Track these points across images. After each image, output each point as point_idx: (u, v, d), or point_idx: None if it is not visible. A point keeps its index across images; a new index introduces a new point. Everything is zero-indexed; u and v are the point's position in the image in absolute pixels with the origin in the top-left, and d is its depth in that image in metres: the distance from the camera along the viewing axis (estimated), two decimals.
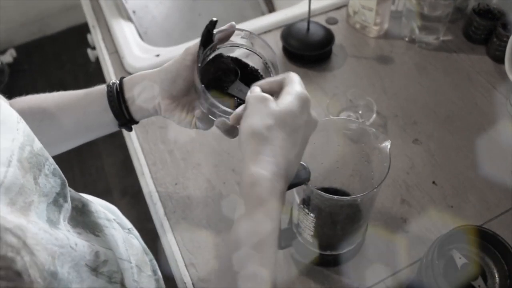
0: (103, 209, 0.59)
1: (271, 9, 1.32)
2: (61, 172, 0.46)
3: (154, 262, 0.67)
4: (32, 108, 0.58)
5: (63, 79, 2.31)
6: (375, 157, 0.59)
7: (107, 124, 0.60)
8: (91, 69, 2.21)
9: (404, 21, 1.00)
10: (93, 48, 1.20)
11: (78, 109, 0.60)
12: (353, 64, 0.97)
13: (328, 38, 0.96)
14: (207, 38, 0.53)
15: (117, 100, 0.58)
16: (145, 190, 0.80)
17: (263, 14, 1.30)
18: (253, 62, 0.57)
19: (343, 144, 0.62)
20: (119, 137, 0.90)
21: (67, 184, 0.47)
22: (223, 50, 0.56)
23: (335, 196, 0.52)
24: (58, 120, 0.59)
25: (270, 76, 0.56)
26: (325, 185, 0.67)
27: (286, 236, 0.66)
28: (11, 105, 0.59)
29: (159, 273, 0.66)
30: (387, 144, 0.55)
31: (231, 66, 0.56)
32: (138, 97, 0.58)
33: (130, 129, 0.62)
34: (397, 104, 0.89)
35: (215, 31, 0.53)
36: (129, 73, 0.95)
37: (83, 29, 1.46)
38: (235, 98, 0.55)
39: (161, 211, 0.76)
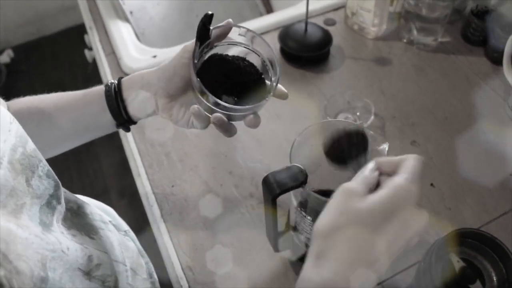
0: (99, 211, 0.59)
1: (269, 10, 1.32)
2: (54, 174, 0.45)
3: (150, 265, 0.66)
4: (30, 109, 0.58)
5: (61, 79, 2.31)
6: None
7: (105, 124, 0.60)
8: (89, 70, 2.20)
9: (402, 22, 1.00)
10: (90, 49, 1.20)
11: (76, 109, 0.59)
12: (351, 66, 0.97)
13: (326, 39, 0.96)
14: (203, 33, 0.52)
15: (115, 100, 0.58)
16: (141, 192, 0.79)
17: (261, 15, 1.30)
18: (251, 60, 0.57)
19: None
20: (117, 139, 0.89)
21: (60, 186, 0.46)
22: (221, 48, 0.56)
23: None
24: (56, 121, 0.59)
25: (268, 75, 0.56)
26: (323, 187, 0.67)
27: (283, 239, 0.66)
28: (9, 106, 0.58)
29: (155, 276, 0.65)
30: (384, 147, 0.55)
31: (229, 67, 0.55)
32: (136, 96, 0.58)
33: (128, 130, 0.62)
34: (395, 105, 0.89)
35: (211, 27, 0.53)
36: (126, 74, 0.95)
37: (81, 30, 1.45)
38: (233, 98, 0.54)
39: (157, 213, 0.75)
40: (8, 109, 0.57)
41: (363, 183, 0.40)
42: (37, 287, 0.34)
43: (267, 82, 0.56)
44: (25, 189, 0.39)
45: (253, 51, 0.56)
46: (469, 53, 0.98)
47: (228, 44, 0.56)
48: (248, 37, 0.55)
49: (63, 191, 0.48)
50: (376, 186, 0.41)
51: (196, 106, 0.55)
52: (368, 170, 0.42)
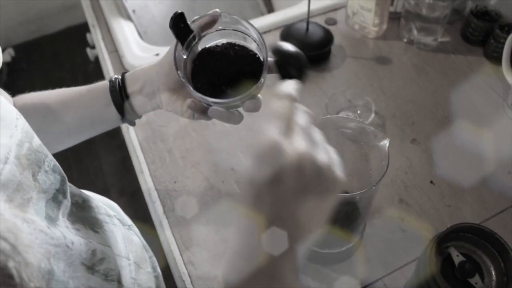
0: (103, 205, 0.60)
1: (271, 9, 1.33)
2: (61, 169, 0.46)
3: (154, 259, 0.67)
4: (35, 105, 0.59)
5: (62, 78, 2.31)
6: (374, 156, 0.59)
7: (110, 119, 0.61)
8: (89, 68, 2.21)
9: (403, 22, 1.00)
10: (93, 47, 1.20)
11: (81, 104, 0.60)
12: (351, 65, 0.98)
13: (327, 39, 0.97)
14: (180, 31, 0.52)
15: (120, 95, 0.58)
16: (144, 188, 0.80)
17: (262, 14, 1.31)
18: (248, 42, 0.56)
19: (342, 143, 0.62)
20: (117, 138, 0.90)
21: (67, 180, 0.47)
22: (211, 35, 0.55)
23: None
24: (61, 116, 0.59)
25: (262, 53, 0.54)
26: None
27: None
28: (14, 101, 0.59)
29: (159, 270, 0.66)
30: (385, 143, 0.55)
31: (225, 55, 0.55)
32: (141, 91, 0.59)
33: (133, 124, 0.63)
34: (395, 104, 0.90)
35: (195, 18, 0.52)
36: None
37: (82, 28, 1.46)
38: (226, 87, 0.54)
39: (160, 209, 0.76)
40: (14, 105, 0.58)
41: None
42: (46, 279, 0.35)
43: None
44: (31, 183, 0.39)
45: (242, 32, 0.55)
46: (469, 52, 0.99)
47: (217, 31, 0.55)
48: (233, 21, 0.54)
49: (69, 186, 0.49)
50: None
51: (190, 99, 0.55)
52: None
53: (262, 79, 0.51)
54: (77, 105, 0.60)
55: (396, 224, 0.73)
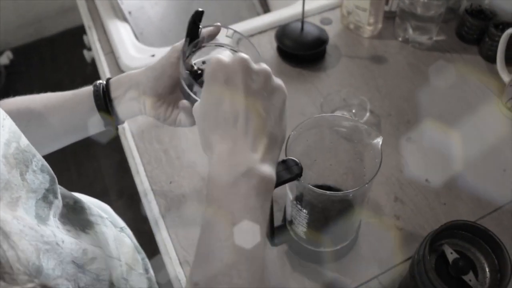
0: (95, 207, 0.60)
1: (266, 10, 1.33)
2: (50, 169, 0.46)
3: (146, 260, 0.67)
4: (20, 109, 0.59)
5: (60, 81, 2.31)
6: (368, 155, 0.59)
7: (94, 124, 0.61)
8: (88, 71, 2.21)
9: (398, 21, 1.01)
10: (89, 49, 1.21)
11: (65, 109, 0.60)
12: (347, 64, 0.98)
13: (322, 38, 0.97)
14: (193, 30, 0.53)
15: (104, 100, 0.59)
16: (140, 189, 0.80)
17: (258, 15, 1.31)
18: None
19: (336, 142, 0.63)
20: (116, 139, 0.90)
21: (56, 181, 0.47)
22: (208, 49, 0.56)
23: (327, 192, 0.52)
24: (45, 121, 0.59)
25: None
26: (319, 183, 0.68)
27: (280, 233, 0.67)
28: None
29: (151, 271, 0.66)
30: (378, 140, 0.56)
31: None
32: (124, 96, 0.59)
33: (115, 129, 0.63)
34: (390, 103, 0.90)
35: (201, 25, 0.54)
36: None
37: (80, 31, 1.46)
38: None
39: (156, 209, 0.76)
40: None
41: None
42: (34, 276, 0.35)
43: None
44: (19, 183, 0.40)
45: (237, 52, 0.57)
46: (464, 51, 0.99)
47: (215, 46, 0.57)
48: (235, 39, 0.56)
49: (59, 187, 0.49)
50: None
51: (185, 101, 0.56)
52: None
53: None
54: (61, 109, 0.60)
55: (391, 222, 0.73)
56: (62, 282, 0.39)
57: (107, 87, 0.59)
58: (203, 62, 0.57)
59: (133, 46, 1.02)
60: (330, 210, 0.60)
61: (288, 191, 0.60)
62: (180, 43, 0.55)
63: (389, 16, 1.04)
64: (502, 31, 0.89)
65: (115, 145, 0.98)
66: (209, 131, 0.42)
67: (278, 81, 0.45)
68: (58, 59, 2.46)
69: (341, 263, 0.69)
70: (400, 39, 1.02)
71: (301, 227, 0.62)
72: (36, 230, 0.38)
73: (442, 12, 0.95)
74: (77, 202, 0.54)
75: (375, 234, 0.72)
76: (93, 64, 1.16)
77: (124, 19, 1.11)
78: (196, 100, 0.53)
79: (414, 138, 0.84)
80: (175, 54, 0.55)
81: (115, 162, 1.99)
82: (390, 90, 0.92)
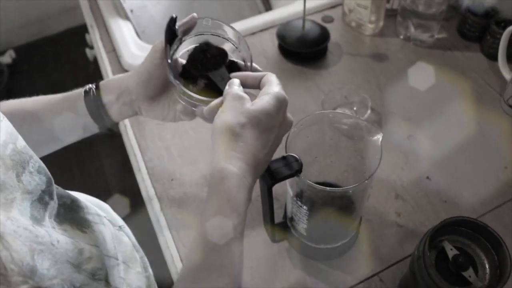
0: (93, 206, 0.60)
1: (268, 8, 1.33)
2: (47, 170, 0.46)
3: (145, 259, 0.67)
4: (12, 112, 0.58)
5: (62, 80, 2.32)
6: (369, 152, 0.59)
7: (87, 127, 0.61)
8: (90, 70, 2.22)
9: (399, 19, 1.01)
10: (92, 47, 1.21)
11: (58, 113, 0.60)
12: (348, 62, 0.98)
13: (324, 36, 0.97)
14: (171, 35, 0.53)
15: (95, 104, 0.59)
16: (141, 186, 0.80)
17: (260, 14, 1.31)
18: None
19: (337, 139, 0.63)
20: (118, 138, 0.91)
21: (53, 182, 0.47)
22: (189, 41, 0.56)
23: (327, 188, 0.53)
24: (39, 123, 0.59)
25: (239, 57, 0.57)
26: (320, 180, 0.68)
27: (280, 230, 0.67)
28: None
29: (150, 270, 0.66)
30: (379, 137, 0.56)
31: (212, 52, 0.56)
32: (117, 101, 0.59)
33: (110, 131, 0.63)
34: (391, 100, 0.90)
35: (177, 25, 0.54)
36: (126, 71, 0.96)
37: (83, 30, 1.46)
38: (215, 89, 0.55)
39: (157, 206, 0.76)
40: None
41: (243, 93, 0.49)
42: (28, 276, 0.35)
43: (239, 61, 0.57)
44: (15, 184, 0.40)
45: (220, 37, 0.57)
46: (465, 49, 0.99)
47: (195, 36, 0.56)
48: (214, 26, 0.56)
49: (56, 187, 0.49)
50: None
51: (181, 105, 0.56)
52: (237, 85, 0.50)
53: None
54: (54, 113, 0.60)
55: (392, 219, 0.73)
56: (57, 283, 0.39)
57: (97, 91, 0.59)
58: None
59: (135, 45, 1.02)
60: (330, 206, 0.60)
61: (288, 188, 0.60)
62: (159, 42, 0.54)
63: (391, 14, 1.04)
64: (504, 28, 0.89)
65: (117, 144, 0.99)
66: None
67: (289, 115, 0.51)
68: (60, 58, 2.47)
69: (341, 259, 0.69)
70: (401, 37, 1.02)
71: (301, 224, 0.62)
72: (31, 231, 0.38)
73: (443, 9, 0.95)
74: (74, 201, 0.54)
75: (375, 231, 0.72)
76: (95, 62, 1.16)
77: (126, 17, 1.11)
78: (191, 96, 0.53)
79: (415, 135, 0.84)
80: (157, 54, 0.54)
81: (117, 161, 2.00)
82: (391, 88, 0.92)
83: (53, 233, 0.42)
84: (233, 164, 0.45)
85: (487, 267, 0.54)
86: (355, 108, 0.86)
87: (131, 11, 1.13)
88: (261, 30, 1.05)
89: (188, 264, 0.45)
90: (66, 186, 0.55)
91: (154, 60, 0.55)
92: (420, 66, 0.96)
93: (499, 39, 0.89)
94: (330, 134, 0.62)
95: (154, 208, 0.77)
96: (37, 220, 0.41)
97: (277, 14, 1.07)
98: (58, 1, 2.45)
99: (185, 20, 0.55)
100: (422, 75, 0.94)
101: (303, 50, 0.96)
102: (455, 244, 0.56)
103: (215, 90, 0.53)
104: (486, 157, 0.80)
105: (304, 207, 0.58)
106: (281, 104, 0.48)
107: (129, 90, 0.58)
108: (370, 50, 1.00)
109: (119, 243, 0.60)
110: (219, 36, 0.57)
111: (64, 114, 0.60)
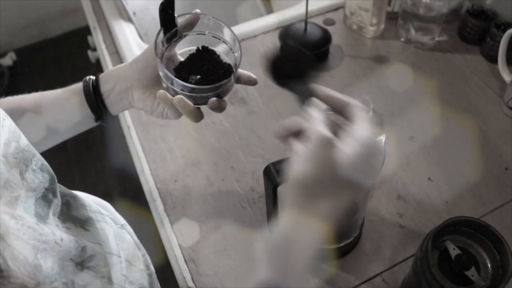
0: (95, 204, 0.61)
1: (270, 11, 1.34)
2: (49, 168, 0.47)
3: (147, 257, 0.67)
4: (11, 107, 0.59)
5: (63, 82, 2.28)
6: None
7: (84, 120, 0.62)
8: (91, 72, 2.20)
9: (400, 22, 1.01)
10: (94, 49, 1.22)
11: (56, 106, 0.61)
12: (350, 64, 0.99)
13: (325, 39, 0.98)
14: (166, 18, 0.53)
15: (93, 94, 0.60)
16: (145, 187, 0.81)
17: (261, 16, 1.32)
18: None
19: None
20: (120, 139, 0.91)
21: (56, 180, 0.47)
22: (189, 37, 0.57)
23: None
24: (37, 118, 0.60)
25: (232, 59, 0.57)
26: None
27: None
28: None
29: (152, 268, 0.67)
30: (382, 138, 0.56)
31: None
32: (113, 90, 0.60)
33: (106, 123, 0.64)
34: (393, 103, 0.90)
35: (179, 21, 0.54)
36: None
37: (83, 32, 1.47)
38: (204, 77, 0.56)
39: (161, 207, 0.77)
40: None
41: (328, 129, 0.42)
42: (32, 273, 0.36)
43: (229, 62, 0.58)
44: (19, 182, 0.40)
45: (219, 39, 0.58)
46: (466, 51, 1.00)
47: (197, 34, 0.57)
48: (215, 25, 0.57)
49: (59, 186, 0.50)
50: None
51: (162, 90, 0.57)
52: (320, 111, 0.44)
53: (232, 77, 0.54)
54: (52, 107, 0.61)
55: (395, 220, 0.73)
56: (60, 284, 0.40)
57: (96, 82, 0.60)
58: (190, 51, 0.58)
59: (137, 46, 1.03)
60: None
61: None
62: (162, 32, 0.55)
63: (392, 17, 1.05)
64: (504, 31, 0.90)
65: (118, 145, 0.99)
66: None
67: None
68: (61, 60, 2.47)
69: (344, 260, 0.69)
70: (402, 39, 1.03)
71: None
72: (34, 229, 0.38)
73: (444, 12, 0.96)
74: (77, 199, 0.55)
75: (378, 232, 0.72)
76: (97, 64, 1.17)
77: (129, 19, 1.12)
78: (175, 91, 0.54)
79: (417, 137, 0.84)
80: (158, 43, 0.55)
81: (118, 162, 1.99)
82: (392, 90, 0.93)
83: (56, 231, 0.43)
84: (312, 230, 0.40)
85: (489, 266, 0.55)
86: None
87: (134, 13, 1.14)
88: (263, 33, 1.06)
89: None
90: (67, 187, 0.55)
91: (152, 49, 0.55)
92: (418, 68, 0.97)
93: (499, 41, 0.90)
94: None
95: (157, 209, 0.77)
96: (42, 218, 0.42)
97: (279, 16, 1.08)
98: (59, 3, 2.45)
99: (188, 15, 0.55)
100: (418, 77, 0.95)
101: None
102: (457, 244, 0.56)
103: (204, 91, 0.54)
104: (487, 159, 0.81)
105: None
106: (370, 154, 0.42)
107: (125, 77, 0.59)
108: (371, 53, 1.01)
109: (122, 241, 0.60)
110: (218, 39, 0.58)
111: (63, 107, 0.61)
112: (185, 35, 0.57)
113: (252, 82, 0.60)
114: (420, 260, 0.55)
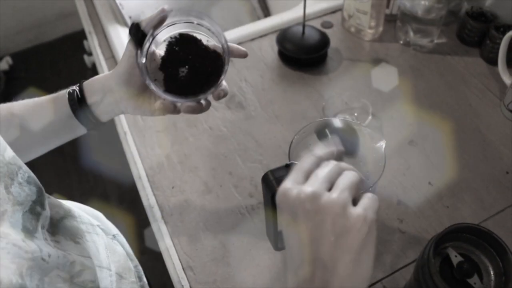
0: (86, 215, 0.59)
1: (267, 14, 1.33)
2: (37, 180, 0.45)
3: (139, 268, 0.66)
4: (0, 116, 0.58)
5: (59, 86, 2.27)
6: (371, 158, 0.59)
7: (75, 128, 0.61)
8: (87, 76, 2.19)
9: (399, 24, 1.01)
10: (90, 54, 1.21)
11: (44, 115, 0.60)
12: (348, 67, 0.98)
13: (324, 42, 0.97)
14: (138, 37, 0.53)
15: (80, 106, 0.58)
16: (142, 194, 0.80)
17: (259, 19, 1.31)
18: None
19: None
20: (117, 145, 0.90)
21: (44, 192, 0.46)
22: (161, 34, 0.56)
23: None
24: (26, 126, 0.59)
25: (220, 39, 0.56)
26: None
27: (283, 237, 0.66)
28: None
29: (145, 279, 0.66)
30: (382, 144, 0.56)
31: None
32: (102, 102, 0.59)
33: (98, 130, 0.63)
34: (392, 106, 0.90)
35: (144, 24, 0.53)
36: None
37: (79, 36, 1.46)
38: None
39: (158, 214, 0.76)
40: None
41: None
42: None
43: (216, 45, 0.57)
44: (5, 196, 0.39)
45: (192, 23, 0.56)
46: (465, 53, 0.99)
47: (168, 27, 0.56)
48: (184, 13, 0.56)
49: (47, 197, 0.49)
50: None
51: (159, 102, 0.56)
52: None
53: (226, 67, 0.54)
54: (41, 115, 0.59)
55: (395, 225, 0.72)
56: None
57: (81, 93, 0.59)
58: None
59: None
60: None
61: None
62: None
63: (390, 19, 1.04)
64: (503, 33, 0.89)
65: (115, 152, 0.98)
66: None
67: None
68: (57, 64, 2.46)
69: None
70: (401, 42, 1.02)
71: None
72: (20, 247, 0.37)
73: (443, 15, 0.95)
74: (66, 211, 0.54)
75: (378, 238, 0.70)
76: (93, 69, 1.16)
77: (125, 23, 1.11)
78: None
79: (417, 141, 0.84)
80: (132, 53, 0.54)
81: (115, 169, 1.98)
82: (391, 93, 0.92)
83: (44, 247, 0.41)
84: None
85: (492, 274, 0.54)
86: (356, 114, 0.86)
87: (130, 17, 1.13)
88: (261, 36, 1.05)
89: None
90: (64, 193, 0.55)
91: (130, 58, 0.55)
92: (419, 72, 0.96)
93: (499, 44, 0.89)
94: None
95: (155, 215, 0.76)
96: (30, 232, 0.41)
97: (277, 19, 1.07)
98: (55, 8, 2.45)
99: (153, 15, 0.54)
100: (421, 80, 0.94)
101: (303, 56, 0.96)
102: (459, 251, 0.55)
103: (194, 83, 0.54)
104: (487, 162, 0.80)
105: None
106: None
107: (111, 91, 0.58)
108: (370, 56, 1.00)
109: (113, 253, 0.59)
110: (192, 23, 0.56)
111: (52, 115, 0.60)
112: (155, 35, 0.55)
113: (242, 55, 0.59)
114: (421, 267, 0.54)
